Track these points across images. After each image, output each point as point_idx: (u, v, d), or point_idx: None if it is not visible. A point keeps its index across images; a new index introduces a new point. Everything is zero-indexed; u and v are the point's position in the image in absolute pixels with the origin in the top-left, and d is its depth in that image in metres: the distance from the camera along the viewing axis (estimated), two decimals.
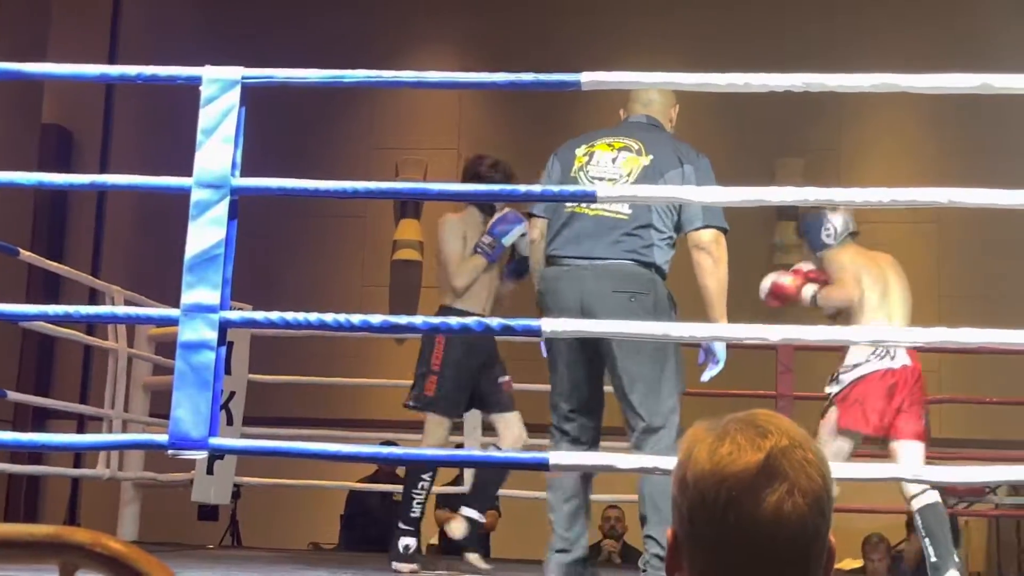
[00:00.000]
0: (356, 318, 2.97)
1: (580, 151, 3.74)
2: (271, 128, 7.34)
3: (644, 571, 3.47)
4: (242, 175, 3.06)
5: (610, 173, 3.65)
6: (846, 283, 4.54)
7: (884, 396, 4.41)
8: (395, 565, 4.62)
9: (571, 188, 3.36)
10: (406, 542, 4.70)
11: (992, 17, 9.13)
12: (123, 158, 9.84)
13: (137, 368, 6.46)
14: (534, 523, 7.75)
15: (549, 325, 3.05)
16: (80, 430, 8.67)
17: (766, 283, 4.83)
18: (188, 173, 3.05)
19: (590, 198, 3.29)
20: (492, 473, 5.00)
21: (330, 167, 8.42)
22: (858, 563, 7.51)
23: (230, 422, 5.95)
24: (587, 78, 3.11)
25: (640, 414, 3.55)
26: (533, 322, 3.05)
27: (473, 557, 5.21)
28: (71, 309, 3.29)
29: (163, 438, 2.93)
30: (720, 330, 3.07)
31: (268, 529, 8.14)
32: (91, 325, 7.12)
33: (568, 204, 3.65)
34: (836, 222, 4.67)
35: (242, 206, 3.07)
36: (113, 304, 5.95)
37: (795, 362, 6.48)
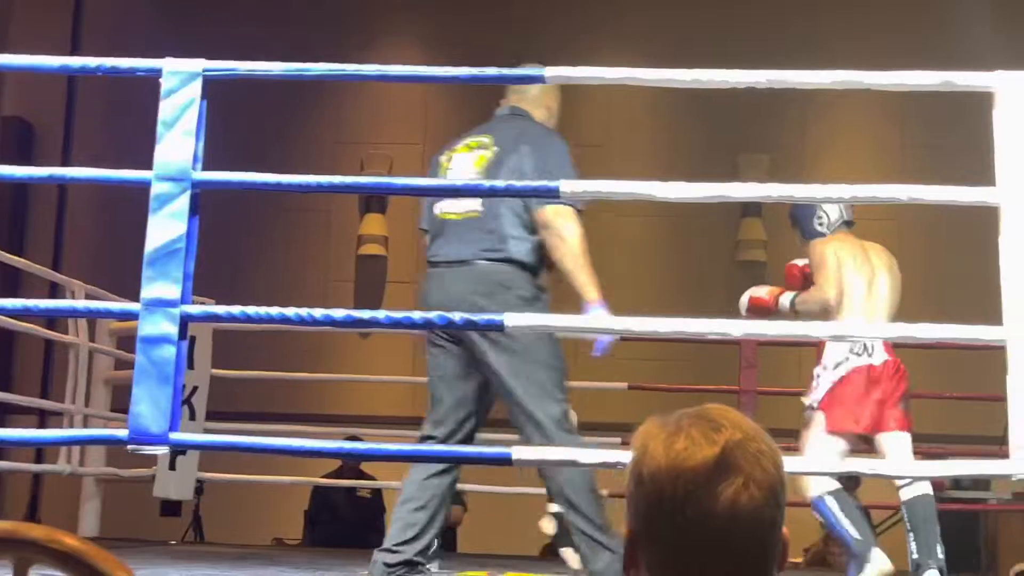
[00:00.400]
0: (319, 312, 2.96)
1: (443, 157, 3.71)
2: (234, 123, 7.30)
3: (578, 548, 3.47)
4: (205, 169, 3.04)
5: (464, 176, 3.60)
6: (821, 285, 4.43)
7: (864, 390, 4.30)
8: None
9: (534, 184, 3.34)
10: None
11: (963, 18, 9.21)
12: (85, 151, 9.75)
13: (98, 363, 6.41)
14: (500, 517, 7.78)
15: (512, 320, 3.05)
16: (41, 425, 8.58)
17: (744, 299, 4.77)
18: (151, 166, 3.02)
19: (553, 193, 3.27)
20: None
21: (294, 161, 8.37)
22: (797, 559, 7.57)
23: (192, 417, 5.92)
24: (551, 73, 3.11)
25: (520, 417, 3.48)
26: (496, 316, 3.05)
27: (568, 553, 5.07)
28: (30, 303, 3.25)
29: (123, 433, 2.91)
30: (683, 325, 3.07)
31: (231, 525, 8.11)
32: (52, 319, 7.06)
33: (437, 211, 3.65)
34: (830, 210, 4.56)
35: (206, 200, 3.05)
36: (74, 298, 5.90)
37: (758, 357, 6.53)
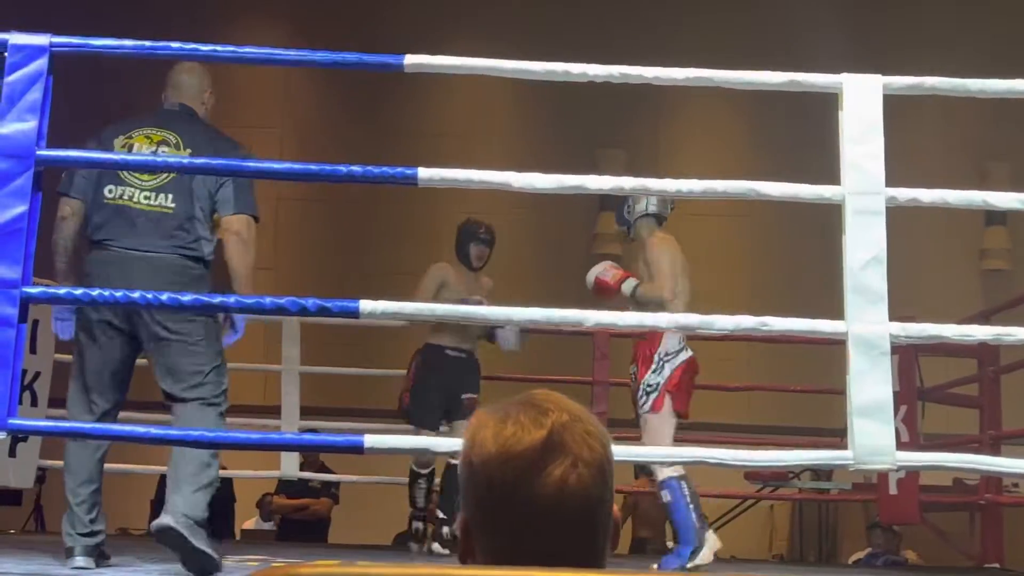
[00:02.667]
0: (164, 296, 2.90)
1: (118, 142, 3.67)
2: (79, 106, 7.08)
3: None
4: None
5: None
6: (661, 284, 4.70)
7: (691, 381, 4.72)
8: None
9: (388, 169, 3.31)
10: None
11: (810, 30, 9.48)
12: None
13: None
14: (372, 507, 7.72)
15: (368, 306, 3.04)
16: None
17: (590, 277, 4.95)
18: None
19: (411, 180, 3.26)
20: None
21: None
22: None
23: (35, 403, 5.73)
24: (410, 60, 3.10)
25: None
26: (351, 303, 3.04)
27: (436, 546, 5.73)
28: None
29: None
30: (537, 314, 3.10)
31: None
32: None
33: (108, 195, 3.65)
34: (640, 201, 4.88)
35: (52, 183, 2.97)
36: None
37: (610, 349, 6.62)
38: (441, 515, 5.67)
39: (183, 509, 3.43)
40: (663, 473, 4.52)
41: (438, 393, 5.69)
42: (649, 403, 4.62)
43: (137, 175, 3.61)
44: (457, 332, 5.74)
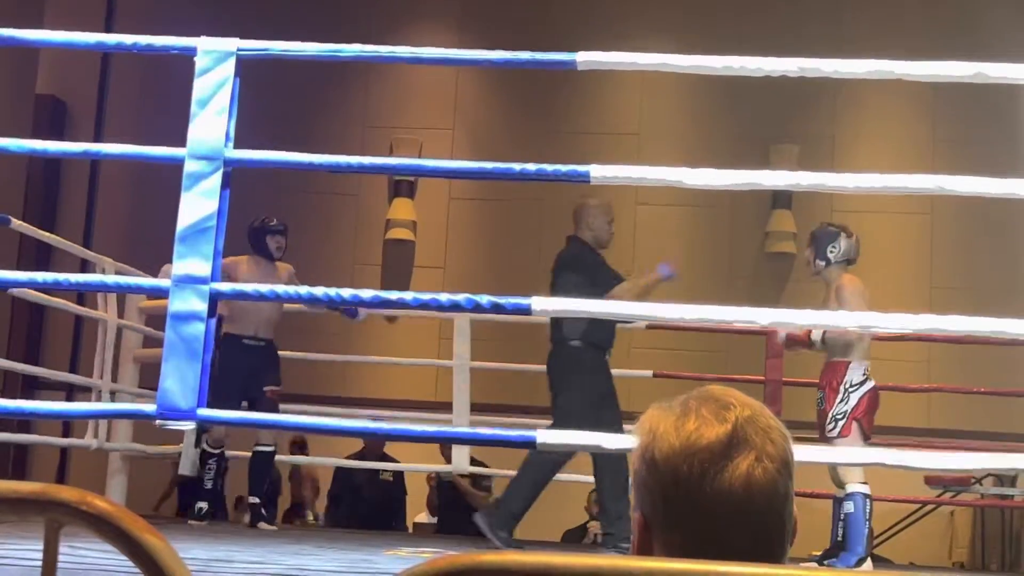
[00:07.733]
0: (347, 292, 2.98)
1: None
2: (261, 105, 7.32)
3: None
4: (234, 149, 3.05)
5: None
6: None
7: (874, 409, 5.04)
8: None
9: (561, 168, 3.33)
10: None
11: (993, 10, 9.14)
12: (117, 130, 9.79)
13: (127, 339, 6.44)
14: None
15: (540, 303, 3.07)
16: (69, 400, 8.66)
17: (782, 333, 5.30)
18: (182, 145, 3.04)
19: (584, 179, 3.27)
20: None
21: (322, 145, 8.35)
22: None
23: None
24: (583, 58, 3.11)
25: None
26: (523, 300, 3.07)
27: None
28: (61, 276, 3.29)
29: (152, 408, 2.93)
30: (710, 312, 3.07)
31: None
32: (81, 297, 7.11)
33: None
34: (843, 244, 5.11)
35: (234, 181, 3.07)
36: (104, 275, 5.93)
37: (783, 348, 6.50)
38: (253, 499, 6.11)
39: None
40: (852, 486, 4.84)
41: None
42: (838, 430, 4.95)
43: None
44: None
